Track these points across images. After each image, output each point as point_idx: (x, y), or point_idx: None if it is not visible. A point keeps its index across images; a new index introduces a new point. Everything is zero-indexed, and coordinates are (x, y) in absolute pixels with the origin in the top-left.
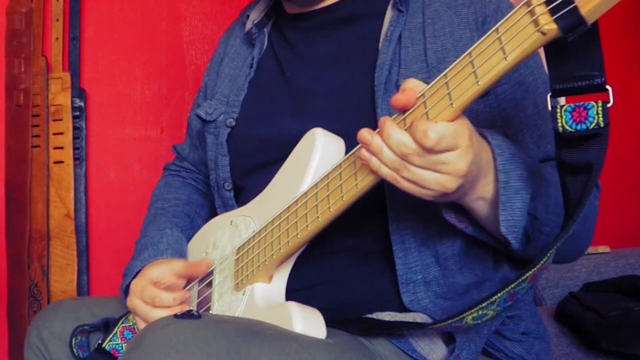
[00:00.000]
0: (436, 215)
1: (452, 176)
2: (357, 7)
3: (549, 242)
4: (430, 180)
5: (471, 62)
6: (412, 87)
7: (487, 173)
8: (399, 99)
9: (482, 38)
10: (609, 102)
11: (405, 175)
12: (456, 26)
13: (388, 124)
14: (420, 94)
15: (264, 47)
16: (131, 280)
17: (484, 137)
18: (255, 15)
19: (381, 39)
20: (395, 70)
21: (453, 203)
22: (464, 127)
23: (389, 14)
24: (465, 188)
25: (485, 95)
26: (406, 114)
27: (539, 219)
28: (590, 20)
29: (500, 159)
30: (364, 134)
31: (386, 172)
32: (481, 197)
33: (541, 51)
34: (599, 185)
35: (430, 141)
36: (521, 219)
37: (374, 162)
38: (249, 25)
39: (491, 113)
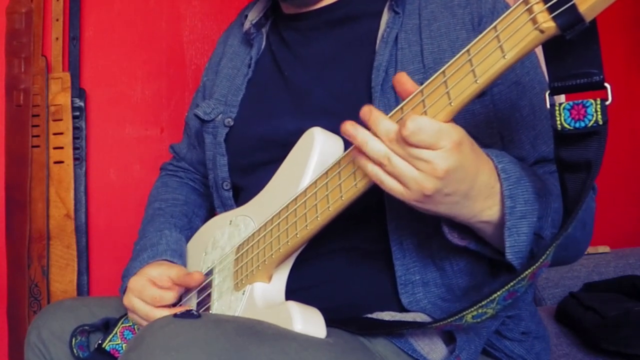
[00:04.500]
0: (434, 217)
1: (428, 176)
2: (354, 8)
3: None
4: (408, 176)
5: (469, 60)
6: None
7: (488, 195)
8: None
9: (480, 36)
10: (607, 99)
11: (388, 170)
12: (452, 27)
13: (375, 112)
14: (418, 91)
15: (262, 47)
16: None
17: (490, 159)
18: (253, 16)
19: (378, 40)
20: (392, 71)
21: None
22: (452, 131)
23: (385, 15)
24: (451, 199)
25: (481, 95)
26: (404, 114)
27: (544, 238)
28: (588, 18)
29: (507, 184)
30: (347, 127)
31: (372, 170)
32: (483, 220)
33: (538, 51)
34: (595, 187)
35: (407, 130)
36: (527, 243)
37: (362, 162)
38: (247, 25)
39: (487, 114)
